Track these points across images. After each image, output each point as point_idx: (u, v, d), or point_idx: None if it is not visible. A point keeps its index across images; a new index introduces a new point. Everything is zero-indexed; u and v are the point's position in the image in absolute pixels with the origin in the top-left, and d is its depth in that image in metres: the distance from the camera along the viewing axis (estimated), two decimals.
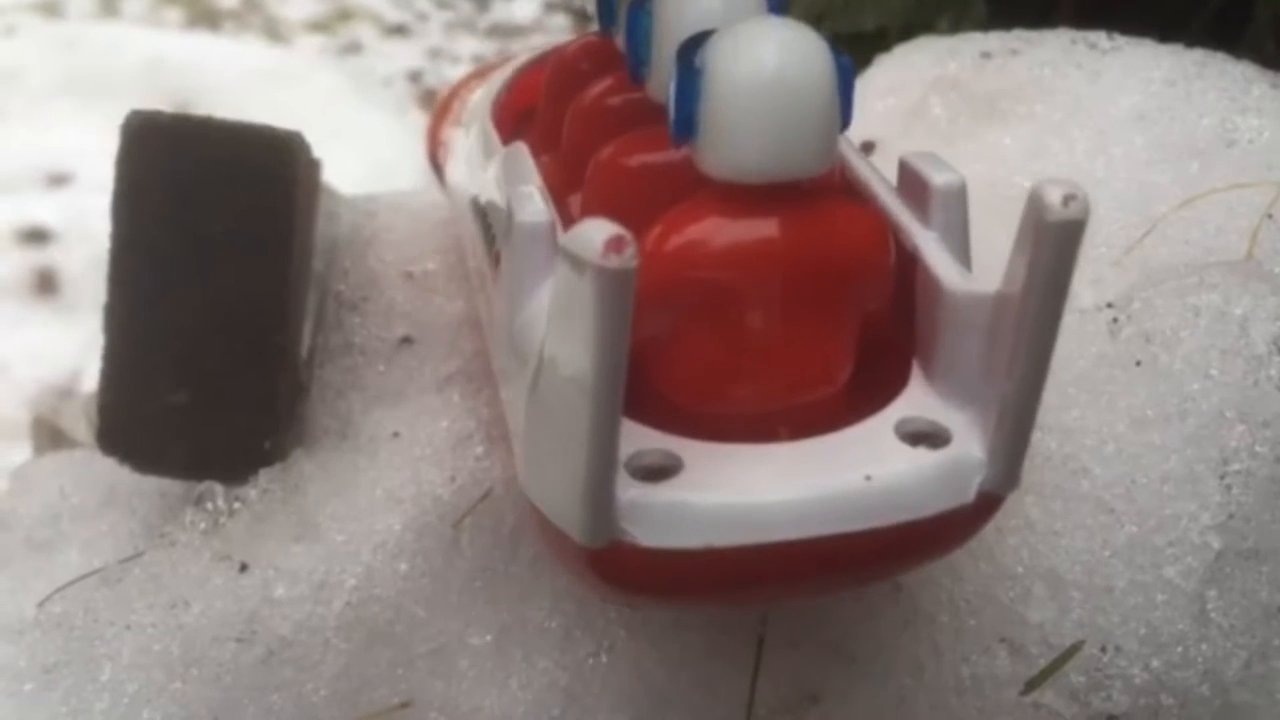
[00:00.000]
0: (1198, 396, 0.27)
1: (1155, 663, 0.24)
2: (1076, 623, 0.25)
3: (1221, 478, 0.26)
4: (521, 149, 0.24)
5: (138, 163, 0.28)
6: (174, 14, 1.56)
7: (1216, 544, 0.25)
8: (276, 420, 0.28)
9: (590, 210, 0.23)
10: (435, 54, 1.54)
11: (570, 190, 0.25)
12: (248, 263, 0.28)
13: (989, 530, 0.26)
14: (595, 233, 0.15)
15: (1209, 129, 0.33)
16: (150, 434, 0.27)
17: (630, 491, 0.18)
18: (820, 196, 0.20)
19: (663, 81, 0.21)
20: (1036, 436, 0.27)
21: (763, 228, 0.20)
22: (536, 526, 0.20)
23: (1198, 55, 0.35)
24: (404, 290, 0.34)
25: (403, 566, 0.26)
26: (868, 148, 0.37)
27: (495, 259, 0.24)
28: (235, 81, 1.36)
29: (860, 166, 0.24)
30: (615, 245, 0.15)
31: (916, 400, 0.20)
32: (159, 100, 1.32)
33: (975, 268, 0.32)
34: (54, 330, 1.05)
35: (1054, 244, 0.17)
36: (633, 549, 0.18)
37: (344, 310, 0.33)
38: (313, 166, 0.32)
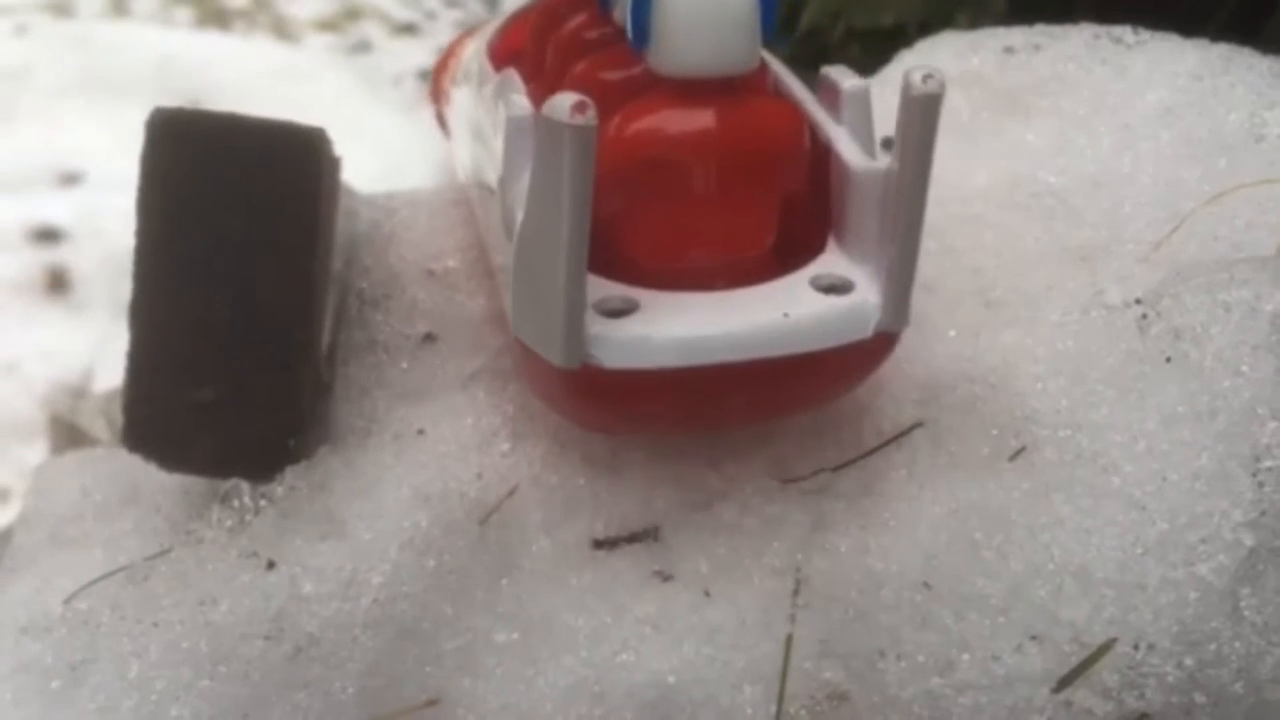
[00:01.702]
0: (1228, 393, 0.27)
1: (1188, 661, 0.24)
2: (1108, 620, 0.25)
3: (1253, 474, 0.26)
4: (512, 73, 0.28)
5: (162, 159, 0.28)
6: (184, 13, 1.57)
7: (1249, 541, 0.25)
8: (301, 418, 0.28)
9: None
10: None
11: None
12: (272, 259, 0.28)
13: (1020, 528, 0.26)
14: (564, 100, 0.20)
15: (1236, 124, 0.32)
16: (175, 432, 0.27)
17: (597, 326, 0.23)
18: (751, 94, 0.25)
19: (624, 7, 0.25)
20: (1066, 434, 0.27)
21: (703, 117, 0.25)
22: (523, 364, 0.25)
23: (1223, 50, 0.35)
24: (425, 287, 0.34)
25: (430, 563, 0.26)
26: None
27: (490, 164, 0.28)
28: (245, 80, 1.36)
29: (788, 79, 0.28)
30: (579, 108, 0.20)
31: (829, 261, 0.25)
32: (169, 99, 1.33)
33: (1000, 261, 0.32)
34: (65, 329, 1.05)
35: (917, 115, 0.22)
36: (599, 370, 0.23)
37: (366, 308, 0.33)
38: (334, 163, 0.32)
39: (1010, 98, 0.36)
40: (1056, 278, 0.31)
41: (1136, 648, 0.24)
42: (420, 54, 1.53)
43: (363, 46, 1.55)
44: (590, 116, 0.20)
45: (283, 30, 1.56)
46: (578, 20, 0.29)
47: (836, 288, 0.25)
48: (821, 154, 0.26)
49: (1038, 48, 0.37)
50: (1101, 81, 0.35)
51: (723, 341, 0.23)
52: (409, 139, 1.27)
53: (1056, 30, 0.38)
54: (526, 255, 0.23)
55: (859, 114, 0.26)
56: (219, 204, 0.27)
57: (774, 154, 0.25)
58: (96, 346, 1.02)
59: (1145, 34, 0.36)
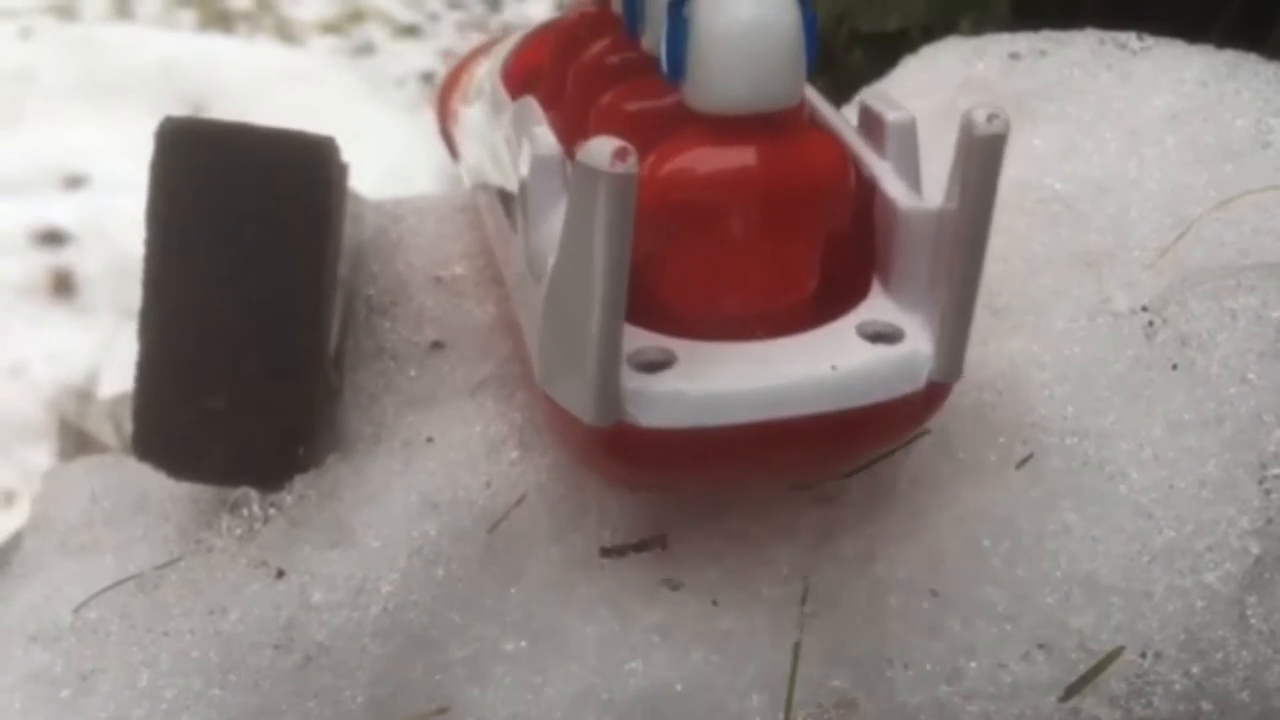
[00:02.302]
0: (1235, 400, 0.27)
1: (1195, 669, 0.24)
2: (1116, 628, 0.25)
3: (1260, 482, 0.26)
4: (531, 101, 0.27)
5: (172, 169, 0.28)
6: (187, 16, 1.57)
7: (1256, 549, 0.25)
8: (310, 425, 0.28)
9: None
10: (448, 55, 1.54)
11: (574, 139, 0.27)
12: (282, 267, 0.28)
13: (1027, 536, 0.26)
14: (603, 145, 0.19)
15: (1243, 130, 0.32)
16: (185, 440, 0.27)
17: (632, 381, 0.22)
18: (791, 129, 0.23)
19: (656, 35, 0.24)
20: (1073, 441, 0.27)
21: (742, 155, 0.23)
22: (550, 418, 0.24)
23: (1229, 56, 0.35)
24: (433, 295, 0.34)
25: (439, 572, 0.26)
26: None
27: (510, 199, 0.27)
28: (248, 82, 1.36)
29: (826, 110, 0.27)
30: (620, 155, 0.18)
31: (875, 306, 0.24)
32: (173, 101, 1.33)
33: (1006, 267, 0.32)
34: (71, 331, 1.06)
35: (980, 157, 0.20)
36: (634, 429, 0.22)
37: (374, 315, 0.33)
38: (342, 170, 0.32)
39: (1015, 103, 0.36)
40: (1063, 284, 0.31)
41: (1144, 656, 0.24)
42: (423, 56, 1.54)
43: (366, 48, 1.55)
44: (631, 164, 0.18)
45: (286, 32, 1.56)
46: (601, 45, 0.28)
47: (885, 336, 0.23)
48: (865, 191, 0.24)
49: (1043, 53, 0.37)
50: (1107, 87, 0.35)
51: (768, 397, 0.22)
52: (412, 140, 1.27)
53: (1061, 36, 0.38)
54: (557, 306, 0.21)
55: (904, 148, 0.24)
56: (228, 213, 0.28)
57: (819, 194, 0.24)
58: (102, 348, 1.02)
59: (1150, 40, 0.36)
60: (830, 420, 0.22)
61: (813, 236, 0.24)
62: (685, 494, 0.27)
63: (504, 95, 0.31)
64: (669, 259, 0.24)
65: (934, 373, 0.23)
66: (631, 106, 0.26)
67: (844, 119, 0.26)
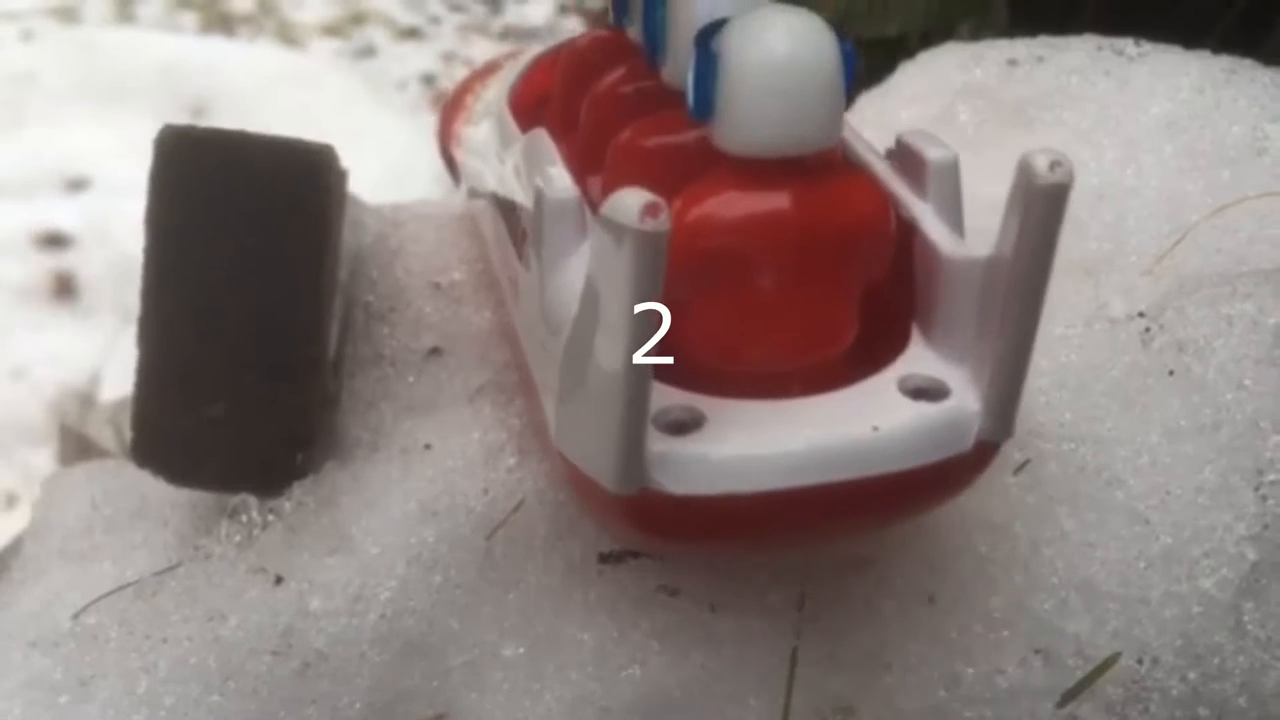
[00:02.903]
0: (1232, 407, 0.27)
1: (1192, 675, 0.24)
2: (1112, 634, 0.25)
3: (1256, 489, 0.26)
4: (542, 134, 0.25)
5: (171, 176, 0.28)
6: (189, 18, 1.57)
7: (1252, 555, 0.25)
8: (309, 432, 0.28)
9: (611, 188, 0.24)
10: (449, 57, 1.54)
11: (588, 172, 0.26)
12: (281, 275, 0.28)
13: (1024, 542, 0.26)
14: (632, 200, 0.17)
15: (1239, 137, 0.33)
16: (185, 447, 0.28)
17: (658, 444, 0.20)
18: (826, 170, 0.22)
19: (678, 68, 0.23)
20: (1070, 447, 0.27)
21: (774, 200, 0.21)
22: (568, 480, 0.22)
23: (1226, 62, 0.35)
24: (432, 301, 0.34)
25: (437, 579, 0.26)
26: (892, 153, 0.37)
27: (520, 237, 0.25)
28: (250, 85, 1.37)
29: (859, 145, 0.25)
30: (651, 211, 0.17)
31: (917, 359, 0.22)
32: (175, 104, 1.33)
33: None
34: (73, 334, 1.06)
35: (1041, 208, 0.19)
36: (661, 496, 0.20)
37: (372, 321, 0.33)
38: (341, 176, 0.32)
39: (1013, 110, 0.36)
40: (1060, 290, 0.30)
41: (1140, 662, 0.24)
42: (424, 58, 1.54)
43: (367, 51, 1.55)
44: (663, 220, 0.17)
45: (287, 35, 1.56)
46: (616, 74, 0.26)
47: (929, 391, 0.21)
48: (903, 234, 0.23)
49: (1040, 60, 0.37)
50: (1104, 94, 0.35)
51: (804, 461, 0.20)
52: (413, 142, 1.27)
53: (1059, 42, 0.38)
54: (577, 364, 0.20)
55: (946, 188, 0.23)
56: (228, 221, 0.28)
57: (857, 240, 0.22)
58: (104, 351, 1.02)
59: (1147, 46, 0.36)
60: (871, 485, 0.21)
61: (851, 286, 0.23)
62: (711, 556, 0.25)
63: (513, 126, 0.29)
64: (696, 311, 0.22)
65: (983, 432, 0.21)
66: (652, 143, 0.24)
67: (878, 154, 0.25)
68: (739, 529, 0.21)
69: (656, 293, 0.18)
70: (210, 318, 0.28)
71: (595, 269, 0.19)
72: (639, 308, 0.18)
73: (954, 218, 0.23)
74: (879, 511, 0.22)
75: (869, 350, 0.23)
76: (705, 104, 0.21)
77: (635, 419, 0.19)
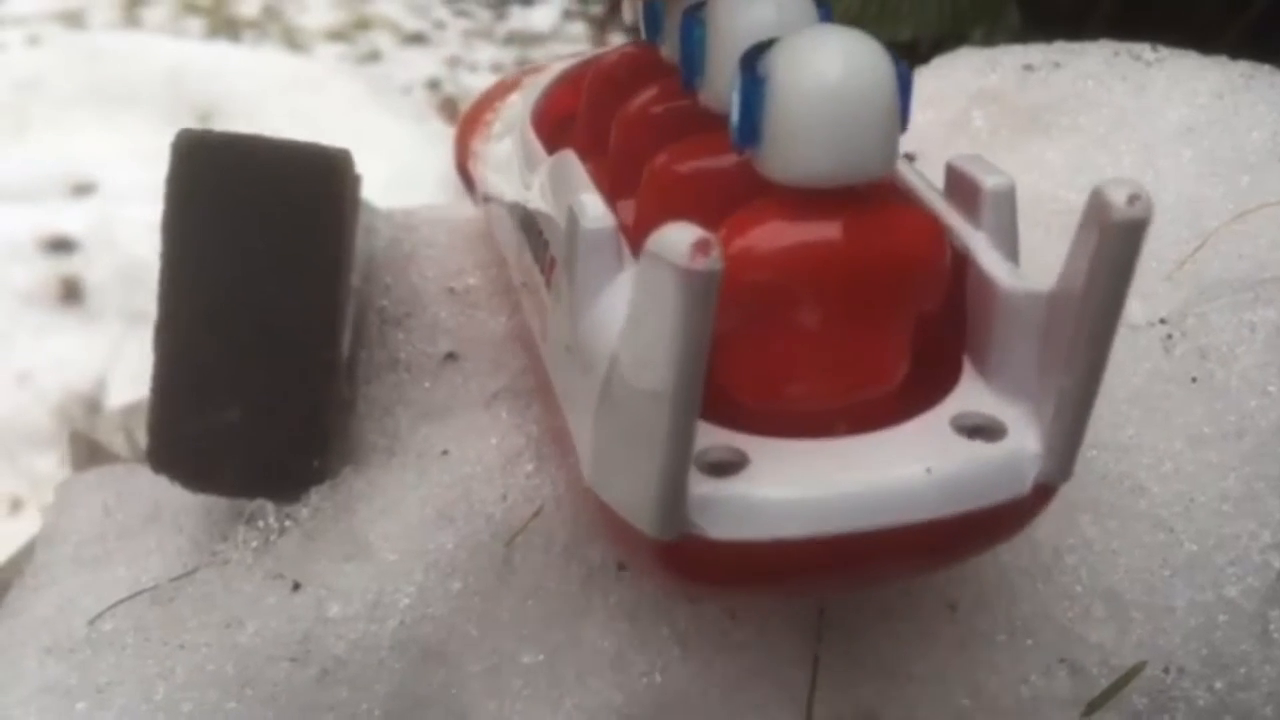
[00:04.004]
0: (1255, 413, 0.27)
1: (1218, 684, 0.24)
2: (1137, 643, 0.25)
3: None
4: (570, 156, 0.24)
5: (188, 182, 0.28)
6: (195, 23, 1.57)
7: (1277, 563, 0.25)
8: (326, 437, 0.28)
9: (645, 215, 0.24)
10: (454, 62, 1.55)
11: (618, 196, 0.26)
12: (298, 280, 0.28)
13: (1046, 550, 0.26)
14: (680, 236, 0.16)
15: (1259, 142, 0.32)
16: (201, 452, 0.27)
17: (700, 486, 0.19)
18: (877, 200, 0.21)
19: (718, 89, 0.22)
20: (1092, 454, 0.27)
21: (823, 231, 0.20)
22: (603, 522, 0.21)
23: (1244, 67, 0.35)
24: (447, 306, 0.34)
25: (455, 585, 0.26)
26: (908, 159, 0.37)
27: (548, 265, 0.24)
28: (256, 90, 1.37)
29: (906, 171, 0.24)
30: (702, 248, 0.16)
31: (971, 395, 0.21)
32: (181, 109, 1.33)
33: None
34: (79, 338, 1.06)
35: (1117, 243, 0.17)
36: (702, 541, 0.19)
37: (388, 326, 0.33)
38: (355, 181, 0.32)
39: (1030, 115, 0.36)
40: None
41: (1166, 671, 0.24)
42: (430, 63, 1.54)
43: (372, 56, 1.55)
44: (715, 259, 0.16)
45: (293, 40, 1.56)
46: (648, 94, 0.26)
47: (984, 430, 0.20)
48: (956, 264, 0.22)
49: (1057, 65, 0.37)
50: (1121, 99, 0.35)
51: (854, 505, 0.19)
52: (419, 147, 1.27)
53: (1075, 47, 0.38)
54: (617, 405, 0.19)
55: (1002, 217, 0.22)
56: (244, 225, 0.28)
57: (910, 273, 0.21)
58: (110, 356, 1.02)
59: (1165, 51, 0.36)
60: (924, 529, 0.19)
61: (903, 320, 0.22)
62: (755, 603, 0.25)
63: (538, 146, 0.28)
64: (741, 346, 0.21)
65: (1041, 474, 0.20)
66: (689, 169, 0.23)
67: (927, 181, 0.24)
68: (784, 576, 0.20)
69: (707, 333, 0.17)
70: (226, 322, 0.27)
71: (639, 308, 0.17)
72: (688, 348, 0.16)
73: (1009, 247, 0.22)
74: (930, 557, 0.21)
75: (920, 386, 0.22)
76: (751, 131, 0.20)
77: (678, 464, 0.18)
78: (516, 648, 0.26)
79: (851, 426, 0.21)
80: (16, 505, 0.93)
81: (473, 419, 0.30)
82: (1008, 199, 0.22)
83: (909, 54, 0.47)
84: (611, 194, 0.25)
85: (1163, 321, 0.29)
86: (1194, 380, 0.27)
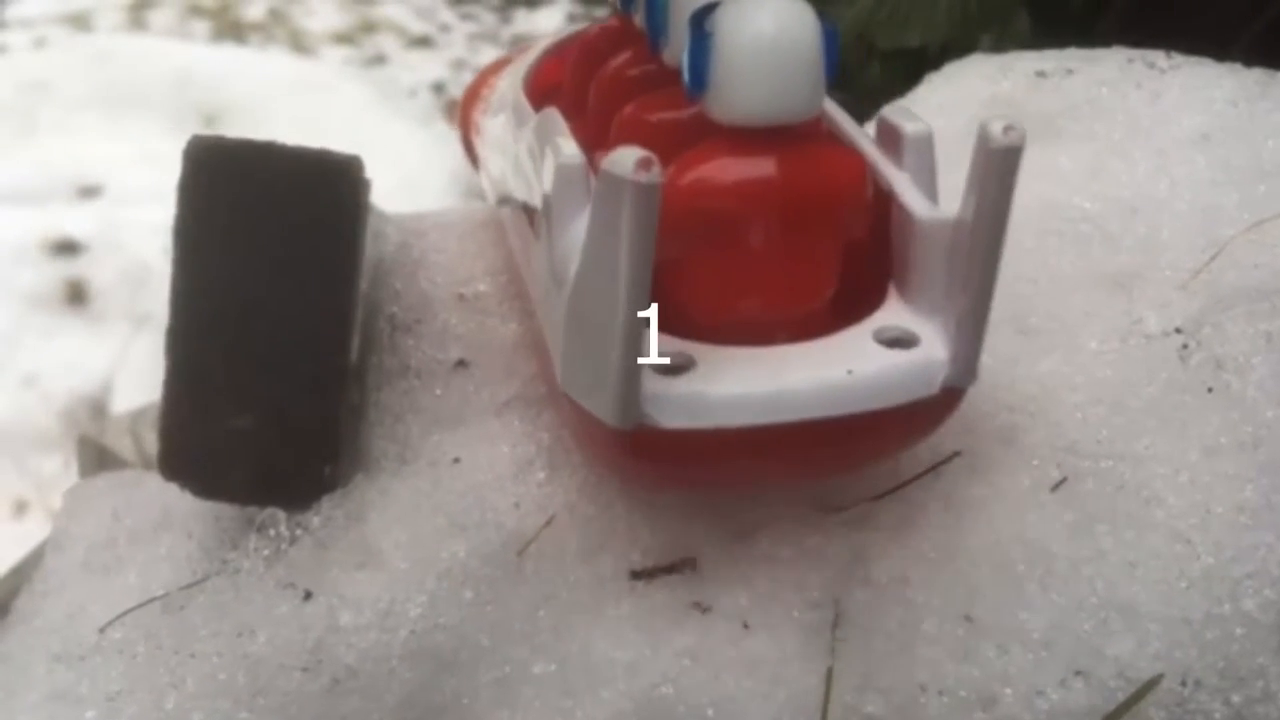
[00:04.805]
0: (1272, 424, 0.26)
1: (1235, 698, 0.24)
2: (1154, 655, 0.24)
3: None
4: (554, 112, 0.27)
5: (201, 188, 0.28)
6: (201, 26, 1.58)
7: None
8: (337, 445, 0.28)
9: None
10: (459, 65, 1.55)
11: (596, 149, 0.28)
12: (310, 287, 0.28)
13: (1061, 561, 0.26)
14: (628, 155, 0.19)
15: (1275, 151, 0.32)
16: (213, 460, 0.27)
17: (653, 384, 0.22)
18: (810, 140, 0.24)
19: (678, 49, 0.25)
20: (1108, 465, 0.27)
21: (762, 165, 0.24)
22: (573, 423, 0.24)
23: (1259, 75, 0.35)
24: (457, 312, 0.33)
25: (467, 594, 0.26)
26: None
27: (533, 212, 0.27)
28: (262, 93, 1.37)
29: (844, 121, 0.27)
30: (644, 164, 0.19)
31: (891, 313, 0.24)
32: (187, 112, 1.33)
33: (1036, 287, 0.31)
34: (84, 341, 1.06)
35: (996, 168, 0.21)
36: (655, 430, 0.22)
37: (398, 333, 0.33)
38: (365, 186, 0.32)
39: (1043, 122, 0.35)
40: (1094, 305, 0.30)
41: (1184, 684, 0.24)
42: (435, 66, 1.54)
43: (378, 59, 1.56)
44: (655, 173, 0.19)
45: (299, 43, 1.56)
46: (621, 58, 0.29)
47: (901, 341, 0.24)
48: (882, 200, 0.25)
49: (1070, 72, 0.37)
50: (1135, 106, 0.35)
51: (785, 400, 0.22)
52: (425, 150, 1.27)
53: (1088, 54, 0.37)
54: (580, 312, 0.22)
55: (921, 159, 0.25)
56: (256, 232, 0.27)
57: (838, 203, 0.24)
58: (115, 358, 1.02)
59: (1179, 58, 0.36)
60: (846, 423, 0.23)
61: (831, 245, 0.25)
62: (706, 498, 0.27)
63: (527, 107, 0.31)
64: (690, 266, 0.24)
65: (949, 378, 0.23)
66: (653, 117, 0.26)
67: (861, 131, 0.27)
68: (725, 463, 0.24)
69: (651, 238, 0.20)
70: (238, 329, 0.27)
71: (595, 221, 0.21)
72: (635, 254, 0.20)
73: (928, 186, 0.25)
74: (854, 448, 0.24)
75: (849, 306, 0.25)
76: (699, 79, 0.23)
77: (632, 360, 0.21)
78: (528, 657, 0.26)
79: (787, 336, 0.24)
80: (21, 507, 0.93)
81: (484, 427, 0.29)
82: (926, 143, 0.25)
83: (918, 60, 0.47)
84: (590, 146, 0.28)
85: (1178, 331, 0.29)
86: (1210, 390, 0.27)
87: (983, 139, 0.21)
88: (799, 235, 0.24)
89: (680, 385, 0.22)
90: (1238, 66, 0.35)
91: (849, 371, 0.23)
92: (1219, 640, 0.24)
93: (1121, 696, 0.24)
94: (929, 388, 0.23)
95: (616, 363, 0.21)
